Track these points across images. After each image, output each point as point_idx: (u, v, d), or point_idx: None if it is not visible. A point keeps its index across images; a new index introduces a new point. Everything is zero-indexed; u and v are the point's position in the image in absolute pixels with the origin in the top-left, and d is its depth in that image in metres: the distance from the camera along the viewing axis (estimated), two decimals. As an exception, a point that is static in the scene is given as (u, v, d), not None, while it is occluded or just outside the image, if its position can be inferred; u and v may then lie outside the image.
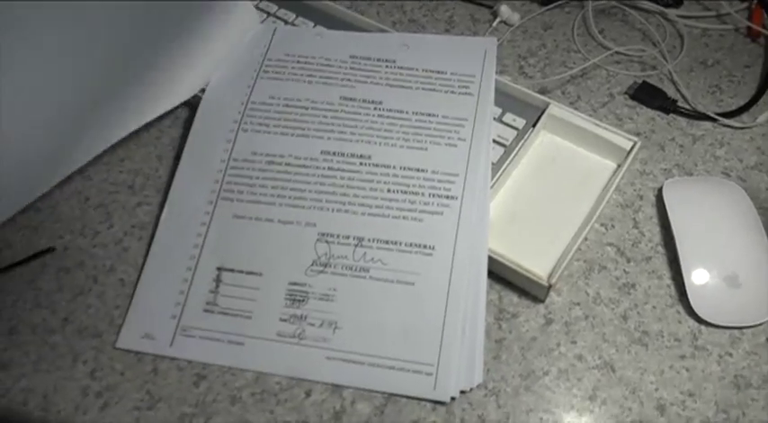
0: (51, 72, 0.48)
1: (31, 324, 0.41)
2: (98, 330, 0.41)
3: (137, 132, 0.49)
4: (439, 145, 0.45)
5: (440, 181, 0.44)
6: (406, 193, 0.43)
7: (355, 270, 0.41)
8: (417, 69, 0.49)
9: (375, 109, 0.47)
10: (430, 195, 0.43)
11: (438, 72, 0.49)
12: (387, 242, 0.42)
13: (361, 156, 0.45)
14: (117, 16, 0.50)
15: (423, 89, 0.48)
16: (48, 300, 0.42)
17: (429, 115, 0.47)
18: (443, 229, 0.42)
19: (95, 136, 0.45)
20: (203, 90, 0.49)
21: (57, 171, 0.44)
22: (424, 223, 0.42)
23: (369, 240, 0.42)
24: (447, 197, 0.43)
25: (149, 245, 0.44)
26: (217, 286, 0.42)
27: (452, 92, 0.48)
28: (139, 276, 0.42)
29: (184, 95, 0.48)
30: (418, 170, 0.44)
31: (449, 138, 0.45)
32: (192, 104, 0.49)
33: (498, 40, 0.54)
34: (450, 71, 0.49)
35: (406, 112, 0.47)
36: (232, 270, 0.42)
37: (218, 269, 0.42)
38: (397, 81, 0.49)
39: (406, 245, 0.42)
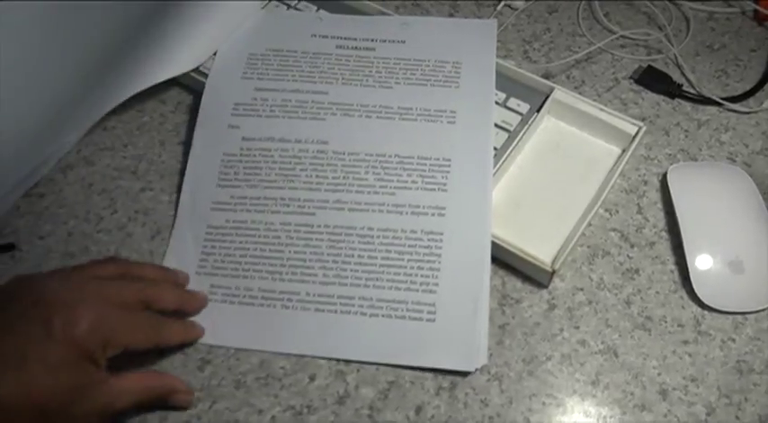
0: (50, 38, 0.48)
1: (37, 309, 0.41)
2: (103, 315, 0.41)
3: (139, 118, 0.49)
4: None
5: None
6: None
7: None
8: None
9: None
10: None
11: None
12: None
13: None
14: None
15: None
16: (53, 285, 0.42)
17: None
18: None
19: (94, 101, 0.46)
20: (207, 75, 0.49)
21: (61, 138, 0.45)
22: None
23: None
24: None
25: (153, 230, 0.44)
26: None
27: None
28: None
29: (179, 70, 0.48)
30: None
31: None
32: (195, 90, 0.49)
33: (503, 24, 0.54)
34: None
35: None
36: None
37: None
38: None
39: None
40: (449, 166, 0.44)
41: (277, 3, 0.53)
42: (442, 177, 0.43)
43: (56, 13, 0.50)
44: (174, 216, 0.44)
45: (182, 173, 0.46)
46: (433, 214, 0.42)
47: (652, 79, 0.51)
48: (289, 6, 0.53)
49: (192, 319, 0.41)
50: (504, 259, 0.43)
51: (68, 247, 0.44)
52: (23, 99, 0.47)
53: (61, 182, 0.46)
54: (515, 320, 0.41)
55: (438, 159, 0.44)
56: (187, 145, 0.47)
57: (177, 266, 0.42)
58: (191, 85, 0.50)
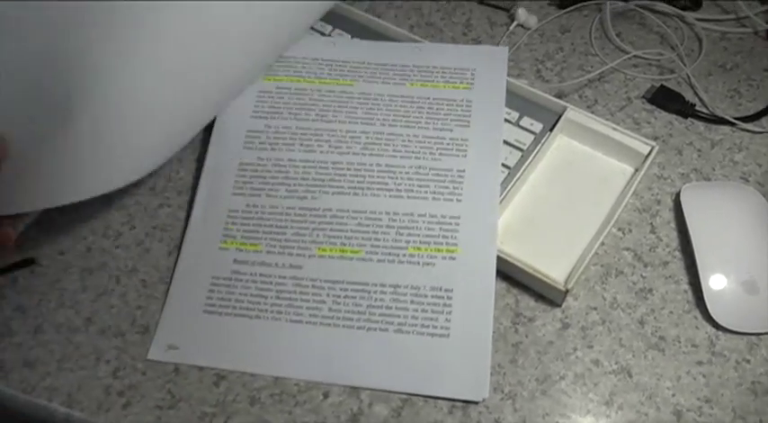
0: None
1: (56, 323, 0.42)
2: (120, 330, 0.42)
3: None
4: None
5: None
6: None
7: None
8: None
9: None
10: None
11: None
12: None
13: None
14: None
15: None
16: (72, 299, 0.43)
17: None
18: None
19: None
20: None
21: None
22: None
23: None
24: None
25: (170, 246, 0.45)
26: None
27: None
28: (168, 289, 0.43)
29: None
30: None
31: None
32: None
33: (515, 44, 0.54)
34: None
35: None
36: None
37: None
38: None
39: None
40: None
41: (293, 22, 0.54)
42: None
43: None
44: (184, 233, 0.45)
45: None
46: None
47: (665, 99, 0.51)
48: (305, 26, 0.54)
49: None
50: (517, 277, 0.43)
51: (87, 262, 0.44)
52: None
53: (81, 198, 0.47)
54: (528, 339, 0.41)
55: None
56: (204, 162, 0.47)
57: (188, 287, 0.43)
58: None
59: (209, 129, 0.49)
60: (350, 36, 0.53)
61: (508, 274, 0.43)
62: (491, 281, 0.41)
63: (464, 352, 0.40)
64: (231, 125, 0.48)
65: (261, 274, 0.43)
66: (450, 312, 0.41)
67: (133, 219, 0.46)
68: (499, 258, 0.42)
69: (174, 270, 0.44)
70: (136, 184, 0.48)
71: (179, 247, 0.44)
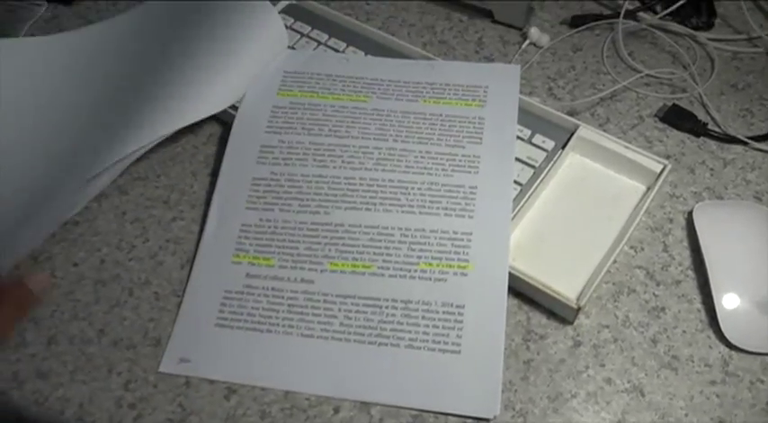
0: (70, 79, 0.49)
1: (69, 335, 0.42)
2: (133, 342, 0.42)
3: (172, 149, 0.50)
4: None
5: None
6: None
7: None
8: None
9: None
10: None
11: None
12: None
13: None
14: (145, 27, 0.51)
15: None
16: (85, 311, 0.43)
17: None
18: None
19: (121, 140, 0.46)
20: (236, 108, 0.50)
21: (74, 175, 0.45)
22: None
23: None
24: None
25: (183, 260, 0.45)
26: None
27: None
28: (180, 302, 0.43)
29: (213, 109, 0.48)
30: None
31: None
32: (226, 123, 0.51)
33: (527, 62, 0.55)
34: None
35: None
36: None
37: None
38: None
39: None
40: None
41: (307, 39, 0.55)
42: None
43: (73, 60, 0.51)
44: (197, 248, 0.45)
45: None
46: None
47: (677, 117, 0.51)
48: (319, 43, 0.54)
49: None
50: (528, 294, 0.43)
51: (101, 274, 0.45)
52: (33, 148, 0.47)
53: (96, 210, 0.48)
54: (540, 356, 0.41)
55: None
56: (218, 176, 0.48)
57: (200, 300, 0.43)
58: (222, 118, 0.51)
59: (223, 143, 0.50)
60: (364, 53, 0.53)
61: (520, 290, 0.43)
62: (503, 297, 0.41)
63: (475, 368, 0.40)
64: (245, 140, 0.49)
65: (273, 289, 0.43)
66: (461, 329, 0.41)
67: (147, 231, 0.47)
68: (511, 275, 0.42)
69: (186, 283, 0.44)
70: (150, 197, 0.48)
71: (192, 261, 0.45)
